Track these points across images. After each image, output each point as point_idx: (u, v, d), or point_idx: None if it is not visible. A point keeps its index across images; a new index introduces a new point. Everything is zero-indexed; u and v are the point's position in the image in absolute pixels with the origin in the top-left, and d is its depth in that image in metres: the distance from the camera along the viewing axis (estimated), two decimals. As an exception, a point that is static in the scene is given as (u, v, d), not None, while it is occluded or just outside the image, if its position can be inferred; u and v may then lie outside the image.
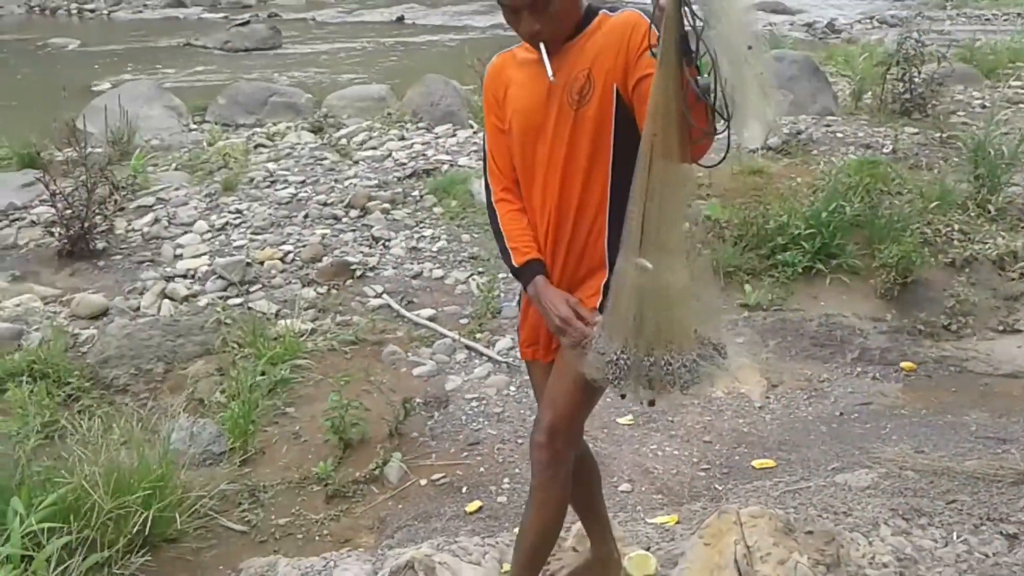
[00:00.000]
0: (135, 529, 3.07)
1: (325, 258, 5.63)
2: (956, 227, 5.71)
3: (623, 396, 1.96)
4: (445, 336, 4.82)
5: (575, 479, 2.30)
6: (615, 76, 2.00)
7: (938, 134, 7.10)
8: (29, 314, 4.95)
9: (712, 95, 1.72)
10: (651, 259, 1.83)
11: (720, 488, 3.50)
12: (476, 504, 3.47)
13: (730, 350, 1.92)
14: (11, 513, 2.93)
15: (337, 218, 6.24)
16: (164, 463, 3.33)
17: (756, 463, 3.66)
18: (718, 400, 4.26)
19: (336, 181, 6.86)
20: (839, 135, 7.22)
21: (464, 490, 3.61)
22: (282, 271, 5.56)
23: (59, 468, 3.19)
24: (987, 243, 5.53)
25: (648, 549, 2.82)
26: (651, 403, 1.96)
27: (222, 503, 3.50)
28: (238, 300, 5.18)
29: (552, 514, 2.28)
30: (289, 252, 5.74)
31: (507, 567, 2.66)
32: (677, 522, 3.16)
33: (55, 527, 2.89)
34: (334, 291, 5.34)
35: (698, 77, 1.74)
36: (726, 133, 1.77)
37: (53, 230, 5.83)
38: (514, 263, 2.16)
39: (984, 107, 8.19)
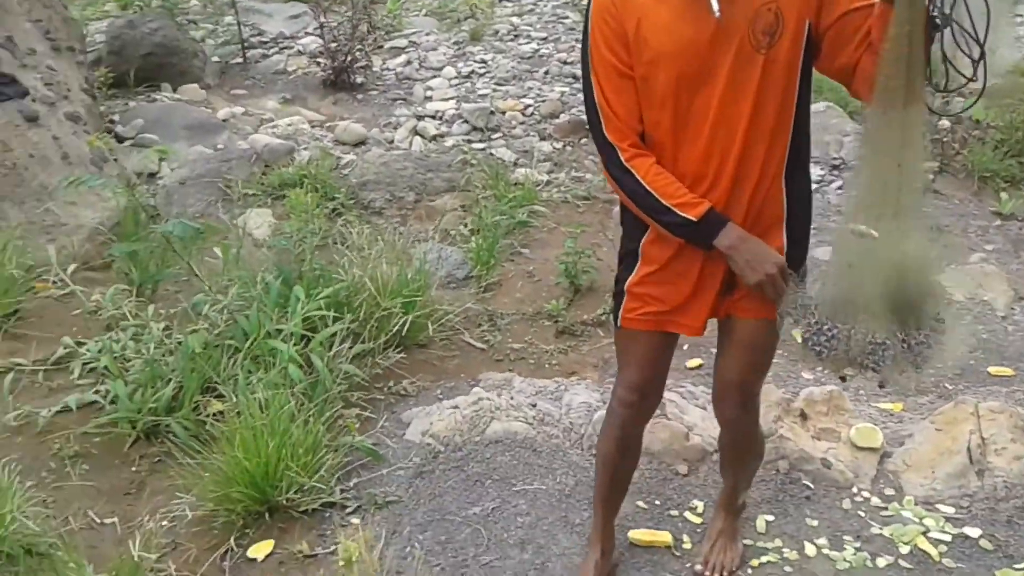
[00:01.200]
0: (394, 330, 3.44)
1: (563, 115, 5.78)
2: None
3: (843, 378, 1.85)
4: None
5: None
6: (808, 11, 1.74)
7: None
8: (298, 134, 5.44)
9: (965, 35, 1.53)
10: (885, 225, 1.65)
11: (950, 388, 3.45)
12: (697, 361, 3.61)
13: (948, 314, 1.76)
14: (293, 298, 3.35)
15: (576, 77, 6.33)
16: (421, 277, 3.67)
17: (992, 370, 3.57)
18: (958, 303, 4.13)
19: (576, 41, 6.91)
20: None
21: (685, 347, 3.76)
22: (521, 123, 5.76)
23: (333, 268, 3.59)
24: None
25: (873, 426, 2.87)
26: (881, 384, 1.83)
27: (464, 322, 3.83)
28: (481, 145, 5.45)
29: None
30: (529, 105, 5.92)
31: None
32: (902, 410, 3.17)
33: (327, 315, 3.29)
34: (569, 147, 5.51)
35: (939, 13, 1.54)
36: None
37: (319, 60, 6.27)
38: (691, 217, 1.82)
39: None
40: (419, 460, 2.86)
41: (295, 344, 3.17)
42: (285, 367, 3.03)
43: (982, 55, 1.53)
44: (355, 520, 2.66)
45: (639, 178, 1.84)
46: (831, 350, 1.74)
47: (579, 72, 6.09)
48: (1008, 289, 4.25)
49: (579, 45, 6.64)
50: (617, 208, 4.43)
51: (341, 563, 1.94)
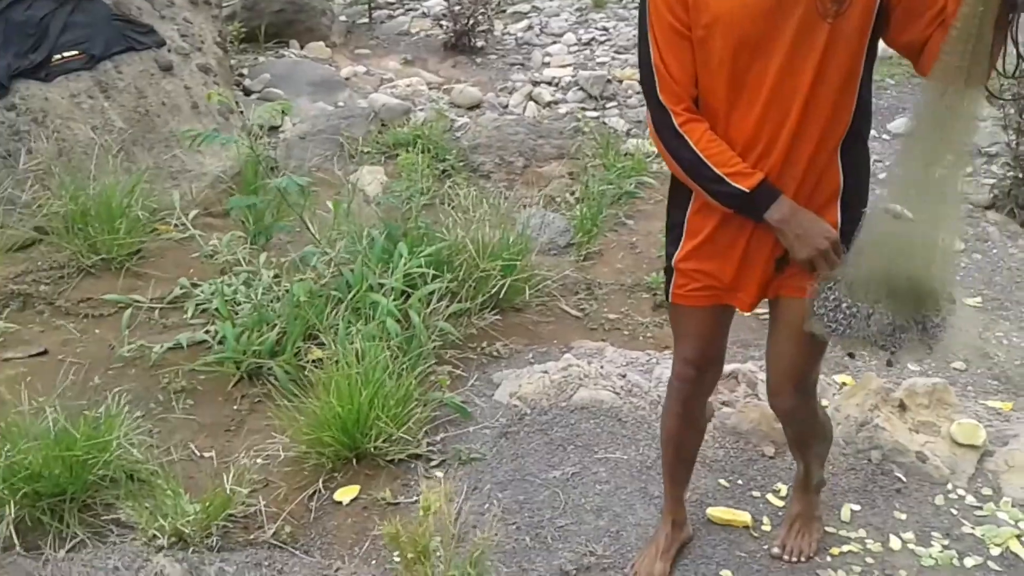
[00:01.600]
0: (491, 291, 3.48)
1: (683, 86, 5.66)
2: None
3: (851, 355, 1.80)
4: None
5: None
6: None
7: None
8: (416, 95, 5.53)
9: None
10: (923, 207, 1.60)
11: (1070, 389, 3.26)
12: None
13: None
14: (397, 255, 3.44)
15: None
16: (522, 242, 3.70)
17: (1121, 374, 3.35)
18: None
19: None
20: None
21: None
22: (638, 92, 5.68)
23: (437, 227, 3.66)
24: None
25: (977, 423, 2.74)
26: (889, 363, 1.78)
27: (561, 289, 3.84)
28: (594, 113, 5.41)
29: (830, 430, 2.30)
30: (648, 75, 5.82)
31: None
32: (1011, 409, 3.02)
33: (428, 273, 3.36)
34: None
35: None
36: None
37: (442, 23, 6.34)
38: (743, 188, 1.75)
39: None
40: (505, 420, 2.90)
41: (395, 299, 3.26)
42: (383, 320, 3.11)
43: None
44: (439, 473, 2.73)
45: (692, 144, 1.76)
46: (848, 328, 1.71)
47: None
48: None
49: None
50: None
51: (420, 512, 2.00)
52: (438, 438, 2.88)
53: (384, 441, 2.72)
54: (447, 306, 3.36)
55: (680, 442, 2.20)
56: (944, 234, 1.62)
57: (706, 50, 1.71)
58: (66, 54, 4.20)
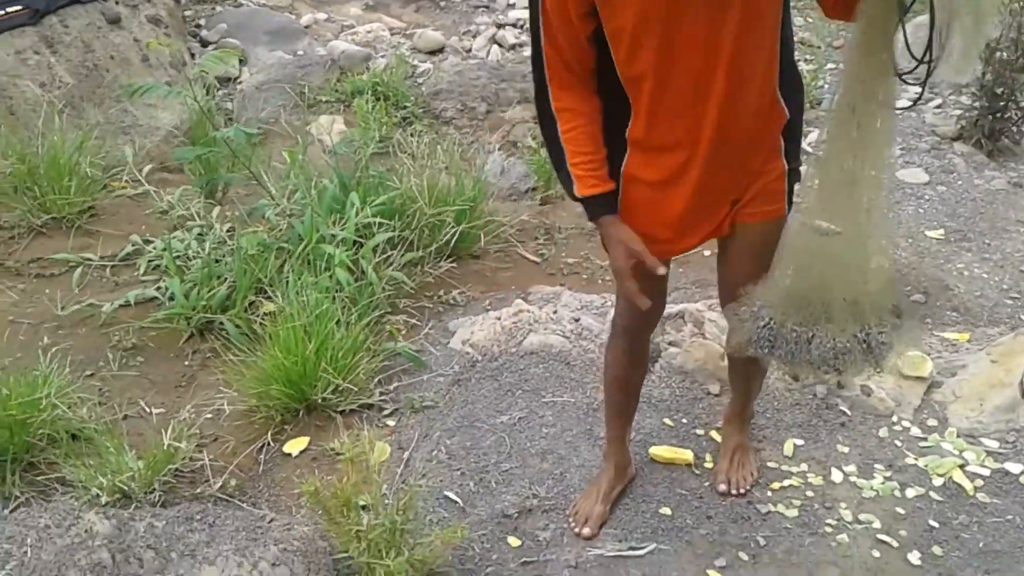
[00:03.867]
0: (445, 239, 3.45)
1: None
2: None
3: (795, 378, 1.77)
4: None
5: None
6: None
7: None
8: (377, 41, 5.43)
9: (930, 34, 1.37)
10: (851, 227, 1.54)
11: (1025, 319, 3.26)
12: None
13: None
14: (349, 204, 3.40)
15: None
16: (477, 188, 3.65)
17: (1079, 303, 3.35)
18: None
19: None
20: None
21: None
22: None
23: (390, 175, 3.61)
24: None
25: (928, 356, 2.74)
26: (839, 384, 1.77)
27: (520, 234, 3.81)
28: (560, 54, 5.31)
29: None
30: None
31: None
32: (967, 340, 3.01)
33: (382, 222, 3.33)
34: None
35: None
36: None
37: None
38: (576, 192, 1.77)
39: None
40: (458, 368, 2.89)
41: (347, 250, 3.23)
42: (334, 272, 3.09)
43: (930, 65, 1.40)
44: (391, 422, 2.73)
45: (559, 130, 1.74)
46: (789, 352, 1.66)
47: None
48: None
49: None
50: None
51: (346, 458, 1.99)
52: (391, 388, 2.87)
53: (334, 392, 2.71)
54: (401, 255, 3.33)
55: (622, 380, 2.20)
56: (876, 252, 1.58)
57: (629, 22, 1.59)
58: (9, 9, 4.10)
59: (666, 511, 2.26)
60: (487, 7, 5.89)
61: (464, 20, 5.73)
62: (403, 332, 3.12)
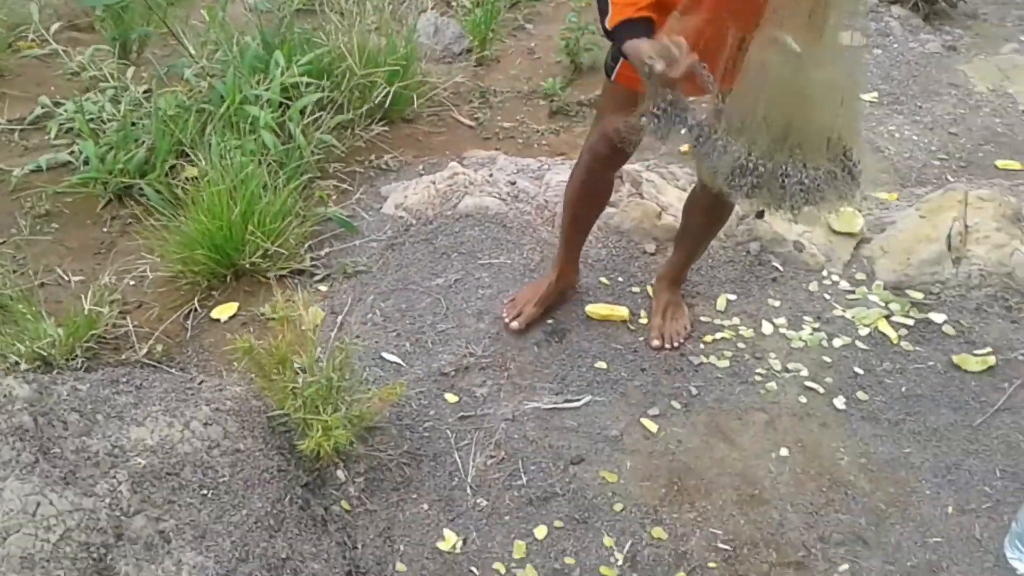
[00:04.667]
0: (377, 100, 3.32)
1: None
2: None
3: (760, 216, 1.72)
4: None
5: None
6: None
7: None
8: None
9: None
10: (811, 44, 1.47)
11: (952, 180, 3.30)
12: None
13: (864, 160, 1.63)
14: (273, 64, 3.23)
15: None
16: (409, 48, 3.50)
17: (1000, 163, 3.40)
18: (978, 94, 3.89)
19: None
20: None
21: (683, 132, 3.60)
22: None
23: (317, 33, 3.43)
24: None
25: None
26: (759, 215, 1.70)
27: (454, 98, 3.69)
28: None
29: None
30: None
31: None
32: (896, 200, 3.05)
33: (310, 82, 3.18)
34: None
35: None
36: None
37: None
38: (606, 24, 1.73)
39: None
40: (391, 232, 2.83)
41: (272, 112, 3.09)
42: (259, 134, 2.95)
43: None
44: (322, 287, 2.68)
45: None
46: (757, 183, 1.60)
47: None
48: (1031, 82, 3.98)
49: None
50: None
51: (279, 317, 1.95)
52: (322, 253, 2.81)
53: (263, 257, 2.63)
54: (330, 117, 3.20)
55: (578, 210, 2.25)
56: (822, 76, 1.51)
57: None
58: None
59: (601, 365, 2.28)
60: None
61: None
62: (333, 197, 3.03)
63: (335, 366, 1.92)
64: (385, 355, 2.34)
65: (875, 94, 3.87)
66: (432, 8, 4.18)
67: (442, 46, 3.99)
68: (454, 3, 4.31)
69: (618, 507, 1.98)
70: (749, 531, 1.95)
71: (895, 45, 4.17)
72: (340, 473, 1.97)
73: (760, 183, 1.60)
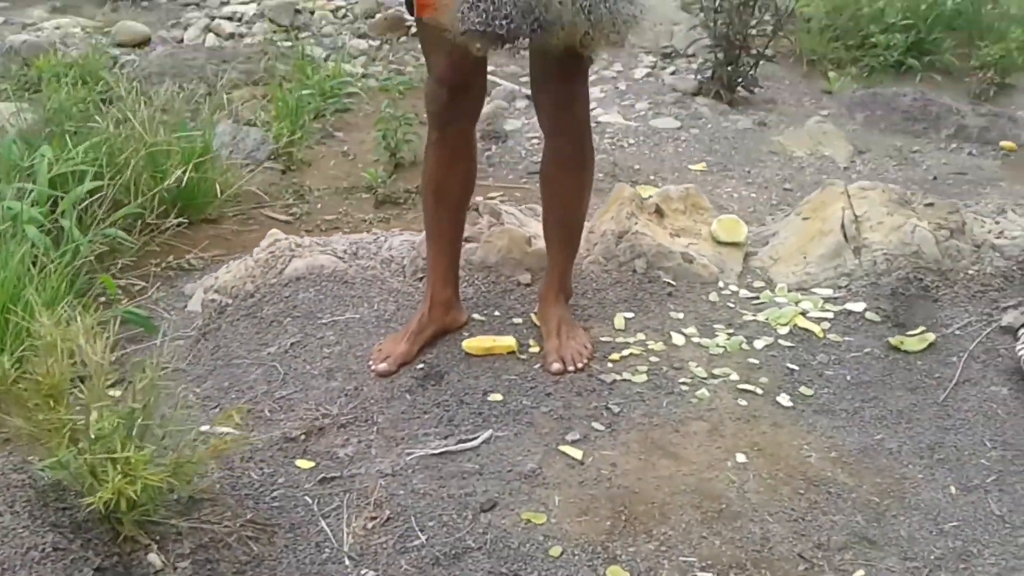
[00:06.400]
0: (171, 185, 2.85)
1: (379, 14, 5.26)
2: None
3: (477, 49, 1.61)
4: (504, 84, 4.47)
5: None
6: None
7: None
8: (68, 38, 4.66)
9: None
10: None
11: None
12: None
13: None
14: (40, 157, 2.72)
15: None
16: (206, 137, 3.09)
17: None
18: (798, 158, 3.94)
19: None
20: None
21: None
22: (332, 22, 5.22)
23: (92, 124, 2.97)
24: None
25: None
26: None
27: (264, 197, 3.27)
28: (288, 44, 4.85)
29: None
30: (341, 7, 5.37)
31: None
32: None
33: (87, 170, 2.67)
34: (387, 45, 5.00)
35: None
36: None
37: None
38: None
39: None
40: (202, 322, 2.30)
41: (41, 208, 2.55)
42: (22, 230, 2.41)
43: None
44: (114, 393, 2.06)
45: None
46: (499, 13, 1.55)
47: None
48: (847, 144, 4.11)
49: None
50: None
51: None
52: (113, 357, 2.20)
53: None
54: (114, 211, 2.69)
55: (440, 183, 1.93)
56: None
57: None
58: None
59: (496, 397, 1.81)
60: (197, 4, 5.32)
61: (171, 16, 5.11)
62: (116, 289, 2.49)
63: (137, 394, 1.35)
64: (204, 428, 1.75)
65: (704, 164, 3.82)
66: (231, 120, 3.80)
67: (244, 153, 3.58)
68: (252, 117, 3.95)
69: (555, 551, 1.46)
70: (730, 552, 1.48)
71: (709, 125, 4.20)
72: (155, 558, 1.34)
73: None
